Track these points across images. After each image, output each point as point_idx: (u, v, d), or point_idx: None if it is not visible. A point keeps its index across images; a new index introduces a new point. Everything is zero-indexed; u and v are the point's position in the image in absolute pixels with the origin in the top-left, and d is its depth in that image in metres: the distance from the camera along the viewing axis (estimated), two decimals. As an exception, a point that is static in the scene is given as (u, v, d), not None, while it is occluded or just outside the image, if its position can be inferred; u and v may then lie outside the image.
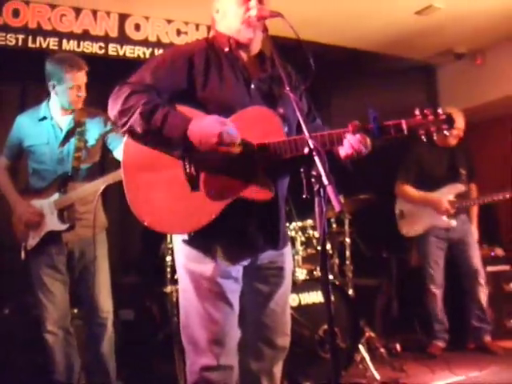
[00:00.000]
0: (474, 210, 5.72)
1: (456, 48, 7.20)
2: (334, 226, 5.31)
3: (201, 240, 2.40)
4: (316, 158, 1.97)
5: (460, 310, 5.55)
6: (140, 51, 5.94)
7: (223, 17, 2.56)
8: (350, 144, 2.28)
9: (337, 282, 4.77)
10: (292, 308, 4.20)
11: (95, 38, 5.78)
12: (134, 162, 2.44)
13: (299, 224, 4.67)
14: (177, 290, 2.93)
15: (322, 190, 1.95)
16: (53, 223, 3.83)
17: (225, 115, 2.36)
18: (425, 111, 2.31)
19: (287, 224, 4.62)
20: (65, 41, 5.63)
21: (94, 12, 5.79)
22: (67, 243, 3.88)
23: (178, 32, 6.12)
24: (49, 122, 3.95)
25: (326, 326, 4.10)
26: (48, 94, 3.95)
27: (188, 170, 2.34)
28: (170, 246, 4.50)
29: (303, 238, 4.66)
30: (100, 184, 3.73)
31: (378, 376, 4.40)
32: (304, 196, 2.06)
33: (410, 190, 5.50)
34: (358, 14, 6.09)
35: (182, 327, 2.47)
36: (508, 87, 6.94)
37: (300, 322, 4.15)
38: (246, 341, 2.58)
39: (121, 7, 5.84)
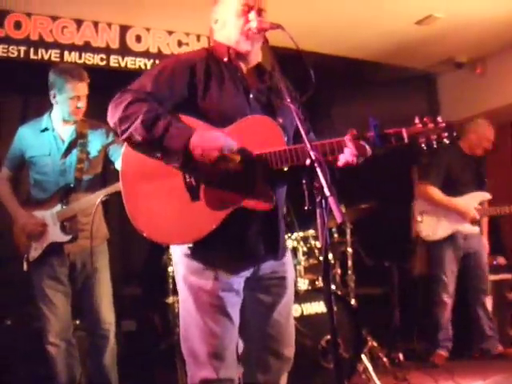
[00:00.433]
0: (485, 222, 5.70)
1: (456, 57, 7.23)
2: (336, 235, 5.30)
3: (201, 251, 2.38)
4: (318, 170, 1.96)
5: (463, 319, 5.53)
6: (141, 62, 5.97)
7: (222, 27, 2.57)
8: (350, 152, 2.29)
9: (339, 292, 4.77)
10: (295, 318, 4.15)
11: (97, 50, 5.81)
12: (133, 172, 2.42)
13: (301, 234, 4.66)
14: (179, 301, 2.92)
15: (323, 202, 1.95)
16: (55, 234, 3.83)
17: (225, 124, 2.37)
18: (424, 119, 2.33)
19: (289, 234, 4.63)
20: (66, 52, 5.66)
21: (96, 24, 5.82)
22: (69, 254, 3.87)
23: (179, 43, 6.14)
24: (50, 133, 3.95)
25: (328, 336, 4.09)
26: (50, 106, 3.96)
27: (188, 180, 2.34)
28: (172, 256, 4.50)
29: (305, 248, 4.65)
30: (101, 195, 3.74)
31: (380, 386, 4.39)
32: (306, 207, 2.06)
33: (437, 192, 5.40)
34: (359, 24, 6.11)
35: (182, 340, 2.45)
36: (509, 95, 6.96)
37: (303, 333, 4.14)
38: (251, 353, 2.57)
39: (122, 19, 5.87)
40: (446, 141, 2.33)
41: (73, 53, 5.69)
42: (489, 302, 5.42)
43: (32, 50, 5.55)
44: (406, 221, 7.90)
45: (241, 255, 2.43)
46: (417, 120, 2.35)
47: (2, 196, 4.01)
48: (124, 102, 2.31)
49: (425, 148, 2.33)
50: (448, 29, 6.30)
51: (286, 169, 2.35)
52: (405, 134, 2.31)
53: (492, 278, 5.74)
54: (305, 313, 4.32)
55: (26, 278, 3.92)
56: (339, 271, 5.25)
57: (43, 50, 5.58)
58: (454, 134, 2.35)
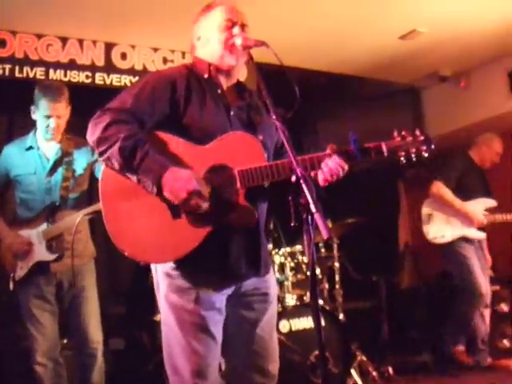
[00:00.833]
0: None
1: (440, 71, 7.29)
2: (323, 250, 5.32)
3: (182, 270, 2.37)
4: (304, 186, 1.97)
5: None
6: (127, 80, 5.97)
7: (206, 43, 2.57)
8: (329, 167, 2.31)
9: (327, 307, 4.77)
10: (283, 334, 4.21)
11: (82, 67, 5.80)
12: (113, 191, 2.39)
13: (288, 250, 4.67)
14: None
15: (310, 218, 1.95)
16: (41, 253, 3.80)
17: (206, 141, 2.37)
18: (403, 133, 2.37)
19: (276, 250, 4.63)
20: (51, 70, 5.65)
21: (81, 41, 5.82)
22: (56, 273, 3.85)
23: (165, 60, 6.16)
24: (35, 152, 3.94)
25: (317, 352, 4.08)
26: (35, 124, 3.95)
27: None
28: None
29: (292, 264, 4.65)
30: (83, 213, 3.72)
31: (371, 400, 4.38)
32: (292, 224, 2.07)
33: (450, 192, 5.37)
34: (343, 39, 6.15)
35: (166, 358, 2.43)
36: (492, 108, 7.02)
37: (291, 348, 4.14)
38: (235, 371, 2.55)
39: (107, 36, 5.87)
40: (425, 154, 2.37)
41: (58, 70, 5.68)
42: (487, 315, 5.41)
43: (17, 67, 5.54)
44: (393, 235, 7.95)
45: (223, 273, 2.41)
46: (395, 134, 2.38)
47: (-13, 215, 3.99)
48: (103, 122, 2.30)
49: (404, 161, 2.36)
50: (432, 43, 6.36)
51: (266, 185, 2.36)
52: (384, 148, 2.36)
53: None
54: (293, 328, 4.32)
55: (12, 297, 3.89)
56: (327, 286, 5.26)
57: (28, 68, 5.57)
58: (432, 147, 2.38)
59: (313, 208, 1.92)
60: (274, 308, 2.63)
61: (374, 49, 6.45)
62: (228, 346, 2.49)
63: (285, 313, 4.40)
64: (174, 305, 2.38)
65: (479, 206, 5.38)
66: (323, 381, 2.19)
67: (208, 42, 2.55)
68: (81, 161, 3.99)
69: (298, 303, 4.47)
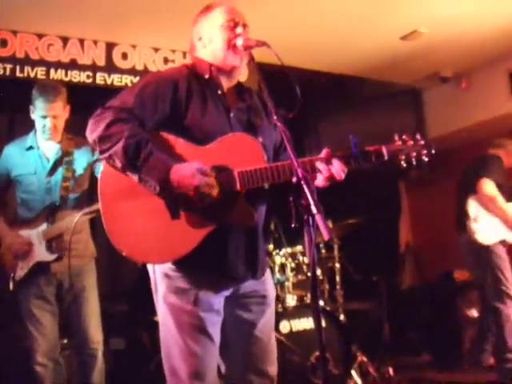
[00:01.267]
0: None
1: (442, 72, 7.28)
2: (323, 251, 5.32)
3: (181, 271, 2.37)
4: (304, 187, 1.97)
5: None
6: (127, 80, 5.96)
7: (208, 43, 2.56)
8: (330, 171, 2.32)
9: (327, 308, 4.76)
10: (283, 335, 4.21)
11: (83, 67, 5.80)
12: (112, 191, 2.39)
13: (289, 250, 4.67)
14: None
15: (310, 219, 1.95)
16: (41, 254, 3.80)
17: (206, 142, 2.37)
18: (403, 137, 2.37)
19: (277, 250, 4.62)
20: (52, 70, 5.65)
21: (82, 41, 5.82)
22: (56, 274, 3.84)
23: (166, 60, 6.16)
24: (35, 152, 3.94)
25: (317, 353, 4.08)
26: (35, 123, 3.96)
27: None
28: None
29: (293, 264, 4.65)
30: (81, 213, 3.72)
31: (371, 401, 4.38)
32: (293, 225, 2.07)
33: (500, 195, 5.10)
34: (344, 39, 6.14)
35: (164, 359, 2.43)
36: (494, 109, 7.01)
37: (292, 349, 4.13)
38: (234, 373, 2.55)
39: (108, 36, 5.88)
40: (425, 158, 2.37)
41: (59, 70, 5.68)
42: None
43: (18, 67, 5.54)
44: (394, 235, 7.95)
45: (221, 274, 2.41)
46: (396, 137, 2.38)
47: (-13, 216, 3.99)
48: (105, 120, 2.29)
49: (404, 165, 2.36)
50: (433, 44, 6.35)
51: (266, 186, 2.36)
52: (385, 152, 2.37)
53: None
54: (294, 329, 4.32)
55: (12, 297, 3.88)
56: (327, 287, 5.26)
57: (29, 68, 5.57)
58: (433, 152, 2.39)
59: (314, 209, 1.91)
60: (272, 310, 2.63)
61: (376, 49, 6.44)
62: (226, 347, 2.49)
63: (285, 313, 4.40)
64: (173, 306, 2.38)
65: None
66: (324, 382, 2.19)
67: (210, 43, 2.55)
68: (81, 161, 3.98)
69: (299, 304, 4.47)
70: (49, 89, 3.85)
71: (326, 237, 1.86)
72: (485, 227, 5.08)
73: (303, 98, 2.34)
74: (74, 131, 4.03)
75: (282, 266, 4.62)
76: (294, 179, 2.06)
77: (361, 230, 5.21)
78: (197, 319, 2.35)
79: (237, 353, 2.54)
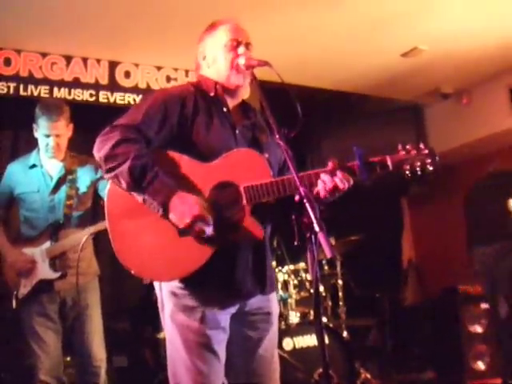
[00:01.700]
0: None
1: (442, 88, 7.31)
2: (326, 268, 5.31)
3: (188, 289, 2.37)
4: (307, 205, 1.98)
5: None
6: (130, 98, 6.00)
7: (212, 63, 2.58)
8: (335, 182, 2.32)
9: (330, 325, 4.75)
10: (286, 352, 4.20)
11: (86, 86, 5.84)
12: (119, 209, 2.39)
13: (291, 267, 4.67)
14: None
15: (313, 237, 1.96)
16: (44, 272, 3.80)
17: (211, 158, 2.38)
18: (407, 147, 2.38)
19: (280, 267, 4.62)
20: (56, 89, 5.69)
21: (85, 60, 5.86)
22: (59, 291, 3.84)
23: (168, 78, 6.19)
24: (39, 170, 3.95)
25: (321, 370, 4.06)
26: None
27: None
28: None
29: (296, 282, 4.65)
30: (89, 232, 3.73)
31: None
32: (296, 243, 2.07)
33: None
34: (345, 57, 6.18)
35: (170, 376, 2.43)
36: (494, 124, 7.03)
37: (295, 366, 4.12)
38: None
39: (111, 54, 5.92)
40: (430, 167, 2.38)
41: (62, 89, 5.71)
42: None
43: (22, 86, 5.58)
44: (396, 252, 7.93)
45: (229, 291, 2.42)
46: (400, 147, 2.40)
47: (-9, 234, 4.00)
48: (112, 140, 2.29)
49: (409, 175, 2.37)
50: (433, 60, 6.38)
51: (272, 200, 2.37)
52: (389, 162, 2.37)
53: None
54: (297, 346, 4.31)
55: (15, 315, 3.88)
56: (330, 303, 5.25)
57: (33, 87, 5.61)
58: (437, 160, 2.39)
59: (316, 227, 1.92)
60: (275, 328, 2.62)
61: (376, 66, 6.47)
62: (229, 364, 2.48)
63: (288, 330, 4.39)
64: (180, 324, 2.38)
65: None
66: (327, 399, 2.18)
67: (214, 62, 2.57)
68: (84, 179, 4.00)
69: (302, 321, 4.46)
70: (52, 108, 3.87)
71: (328, 255, 1.86)
72: None
73: (305, 116, 2.35)
74: (77, 149, 4.05)
75: (285, 283, 4.62)
76: (297, 197, 2.07)
77: (363, 246, 5.20)
78: (203, 337, 2.35)
79: (239, 370, 2.53)
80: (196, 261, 2.30)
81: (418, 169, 2.38)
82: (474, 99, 7.38)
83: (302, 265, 4.70)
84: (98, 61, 5.93)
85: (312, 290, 4.54)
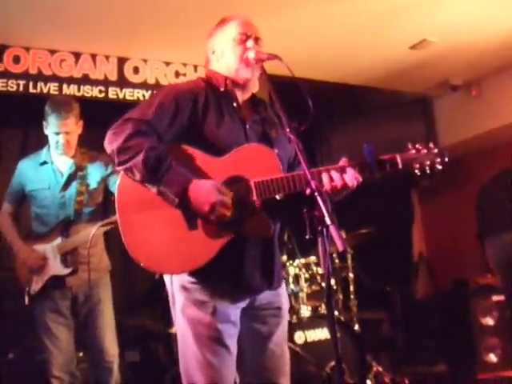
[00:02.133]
0: None
1: (451, 80, 7.28)
2: (337, 261, 5.31)
3: (199, 283, 2.38)
4: (318, 199, 1.98)
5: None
6: (139, 94, 6.00)
7: (221, 57, 2.59)
8: (344, 180, 2.33)
9: (342, 318, 4.76)
10: (298, 345, 4.21)
11: (95, 82, 5.83)
12: (129, 202, 2.40)
13: (302, 261, 4.67)
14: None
15: (324, 230, 1.96)
16: (56, 268, 3.83)
17: (222, 153, 2.39)
18: (417, 146, 2.39)
19: (291, 261, 4.62)
20: (65, 85, 5.69)
21: (93, 56, 5.86)
22: (71, 287, 3.87)
23: (177, 74, 6.18)
24: (49, 167, 3.97)
25: (333, 363, 4.07)
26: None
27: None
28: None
29: (307, 275, 4.65)
30: (98, 226, 3.74)
31: (387, 411, 4.36)
32: (307, 237, 2.08)
33: None
34: (354, 50, 6.16)
35: (182, 371, 2.44)
36: (504, 116, 7.00)
37: (307, 360, 4.13)
38: None
39: (119, 51, 5.92)
40: (439, 166, 2.39)
41: (71, 85, 5.72)
42: None
43: (31, 83, 5.58)
44: (407, 245, 7.92)
45: (238, 285, 2.43)
46: (410, 146, 2.41)
47: (3, 231, 4.03)
48: (125, 132, 2.30)
49: (418, 173, 2.38)
50: (442, 52, 6.36)
51: (282, 196, 2.37)
52: (399, 160, 2.39)
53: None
54: (308, 340, 4.32)
55: (28, 311, 3.91)
56: (341, 297, 5.25)
57: (42, 84, 5.62)
58: (446, 160, 2.41)
59: (328, 220, 1.93)
60: (285, 322, 2.64)
61: (385, 59, 6.46)
62: (240, 359, 2.49)
63: (300, 324, 4.40)
64: (191, 318, 2.39)
65: None
66: (339, 392, 2.18)
67: (223, 56, 2.58)
68: (94, 175, 4.01)
69: (313, 314, 4.47)
70: (61, 105, 3.88)
71: (340, 248, 1.86)
72: None
73: (315, 110, 2.36)
74: (87, 145, 4.07)
75: (296, 277, 4.62)
76: (308, 191, 2.07)
77: (374, 239, 5.20)
78: (215, 331, 2.36)
79: (250, 364, 2.55)
80: (206, 254, 2.31)
81: (427, 168, 2.40)
82: (484, 91, 7.35)
83: (312, 258, 4.70)
84: (107, 57, 5.92)
85: (323, 284, 4.54)
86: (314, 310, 4.55)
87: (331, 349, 2.07)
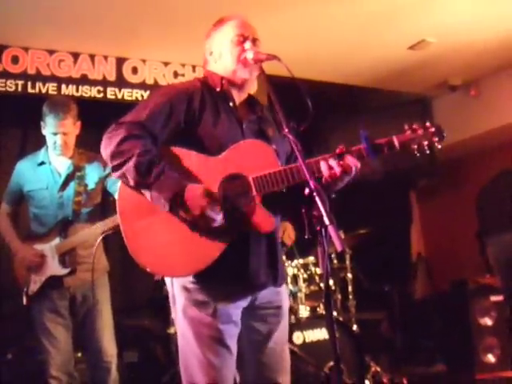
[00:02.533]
0: None
1: (450, 80, 7.28)
2: (336, 261, 5.31)
3: (201, 283, 2.38)
4: (317, 199, 1.98)
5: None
6: (138, 94, 6.00)
7: (218, 58, 2.59)
8: (342, 166, 2.34)
9: (340, 318, 4.76)
10: (297, 346, 4.21)
11: (93, 82, 5.84)
12: (131, 208, 2.40)
13: (301, 261, 4.67)
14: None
15: (323, 230, 1.96)
16: (54, 268, 3.82)
17: (219, 152, 2.39)
18: (413, 126, 2.38)
19: (289, 261, 4.63)
20: (64, 86, 5.69)
21: (92, 56, 5.86)
22: (69, 288, 3.86)
23: (175, 74, 6.19)
24: (47, 167, 3.97)
25: (331, 363, 4.07)
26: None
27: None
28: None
29: (305, 275, 4.65)
30: (100, 228, 3.74)
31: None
32: (306, 237, 2.08)
33: None
34: (352, 51, 6.17)
35: (182, 371, 2.45)
36: (503, 116, 7.00)
37: (305, 360, 4.13)
38: (246, 383, 2.56)
39: (118, 51, 5.92)
40: (438, 145, 2.37)
41: (70, 86, 5.72)
42: None
43: (29, 83, 5.58)
44: (405, 245, 7.93)
45: (241, 284, 2.43)
46: (406, 127, 2.39)
47: (2, 231, 4.02)
48: (118, 136, 2.30)
49: (417, 154, 2.36)
50: (441, 53, 6.36)
51: (282, 189, 2.38)
52: (396, 142, 2.38)
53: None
54: (307, 340, 4.32)
55: (26, 311, 3.90)
56: (340, 297, 5.25)
57: (40, 84, 5.62)
58: (444, 137, 2.39)
59: (326, 220, 1.92)
60: (285, 321, 2.64)
61: (384, 60, 6.46)
62: (240, 358, 2.50)
63: (298, 324, 4.40)
64: (192, 318, 2.39)
65: None
66: (338, 392, 2.19)
67: (220, 57, 2.58)
68: (92, 175, 4.01)
69: (312, 315, 4.47)
70: (59, 106, 3.88)
71: (338, 248, 1.86)
72: None
73: (313, 110, 2.36)
74: (85, 146, 4.06)
75: (295, 277, 4.62)
76: (307, 191, 2.07)
77: (372, 240, 5.20)
78: (216, 331, 2.36)
79: (250, 363, 2.55)
80: (210, 255, 2.31)
81: (425, 147, 2.38)
82: (483, 91, 7.35)
83: (311, 259, 4.70)
84: (106, 57, 5.93)
85: (322, 284, 4.54)
86: (313, 310, 4.56)
87: (330, 349, 2.08)
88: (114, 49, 5.86)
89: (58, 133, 3.85)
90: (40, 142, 4.08)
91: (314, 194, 1.99)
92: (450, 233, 7.81)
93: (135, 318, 5.72)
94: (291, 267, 4.63)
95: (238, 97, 2.61)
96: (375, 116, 6.94)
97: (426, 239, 8.50)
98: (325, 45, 5.98)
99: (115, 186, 3.80)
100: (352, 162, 2.34)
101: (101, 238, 3.66)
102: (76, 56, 5.80)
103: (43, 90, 5.62)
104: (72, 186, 3.94)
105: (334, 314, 4.72)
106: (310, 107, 2.34)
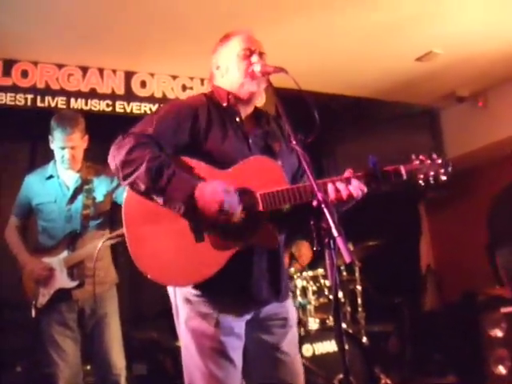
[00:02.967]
0: None
1: (458, 91, 7.29)
2: (345, 273, 5.30)
3: (203, 295, 2.38)
4: (325, 211, 1.98)
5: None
6: (146, 107, 6.03)
7: (225, 72, 2.60)
8: (349, 191, 2.34)
9: (350, 331, 4.74)
10: (306, 358, 4.19)
11: (102, 96, 5.87)
12: (136, 215, 2.40)
13: (310, 273, 4.66)
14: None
15: (332, 242, 1.96)
16: (63, 281, 3.83)
17: (227, 167, 2.40)
18: (421, 157, 2.40)
19: (298, 274, 4.62)
20: (73, 99, 5.72)
21: (101, 70, 5.90)
22: (77, 300, 3.87)
23: (184, 87, 6.22)
24: (56, 181, 3.99)
25: (341, 375, 4.06)
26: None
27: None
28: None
29: (315, 288, 4.64)
30: (105, 239, 3.74)
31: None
32: (315, 249, 2.08)
33: None
34: (360, 63, 6.18)
35: (186, 383, 2.44)
36: (511, 127, 6.98)
37: (315, 372, 4.11)
38: None
39: (126, 65, 5.95)
40: (443, 177, 2.40)
41: (79, 100, 5.75)
42: None
43: (39, 97, 5.62)
44: (415, 257, 7.90)
45: (244, 298, 2.43)
46: (413, 157, 2.41)
47: (10, 243, 4.04)
48: (127, 146, 2.31)
49: (422, 184, 2.38)
50: (448, 64, 6.37)
51: (288, 208, 2.38)
52: (403, 171, 2.40)
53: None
54: (316, 352, 4.30)
55: (35, 324, 3.91)
56: (349, 309, 5.24)
57: (50, 98, 5.66)
58: (450, 170, 2.41)
59: (335, 232, 1.92)
60: (294, 332, 2.62)
61: (391, 71, 6.47)
62: (250, 371, 2.49)
63: (308, 337, 4.38)
64: (194, 330, 2.40)
65: None
66: (348, 404, 2.17)
67: (227, 71, 2.59)
68: (101, 188, 4.03)
69: (321, 327, 4.45)
70: (66, 120, 3.90)
71: (347, 260, 1.86)
72: None
73: (321, 122, 2.36)
74: (94, 159, 4.08)
75: (304, 290, 4.61)
76: (315, 202, 2.07)
77: (382, 252, 5.19)
78: (218, 343, 2.36)
79: (261, 377, 2.54)
80: (213, 266, 2.31)
81: (431, 178, 2.40)
82: (490, 102, 7.34)
83: (320, 271, 4.69)
84: (114, 71, 5.96)
85: (331, 296, 4.53)
86: (322, 322, 4.54)
87: (339, 361, 2.07)
88: (122, 63, 5.90)
89: (65, 147, 3.87)
90: (49, 156, 4.10)
91: (322, 205, 2.00)
92: (459, 245, 7.78)
93: (144, 331, 5.71)
94: (300, 279, 4.63)
95: (245, 111, 2.62)
96: (383, 128, 6.95)
97: (436, 251, 8.47)
98: (332, 57, 5.99)
99: (123, 197, 3.83)
100: (359, 187, 2.35)
101: (101, 244, 3.65)
102: (85, 70, 5.84)
103: (52, 104, 5.65)
104: (80, 199, 3.95)
105: (344, 326, 4.71)
106: (317, 119, 2.35)
